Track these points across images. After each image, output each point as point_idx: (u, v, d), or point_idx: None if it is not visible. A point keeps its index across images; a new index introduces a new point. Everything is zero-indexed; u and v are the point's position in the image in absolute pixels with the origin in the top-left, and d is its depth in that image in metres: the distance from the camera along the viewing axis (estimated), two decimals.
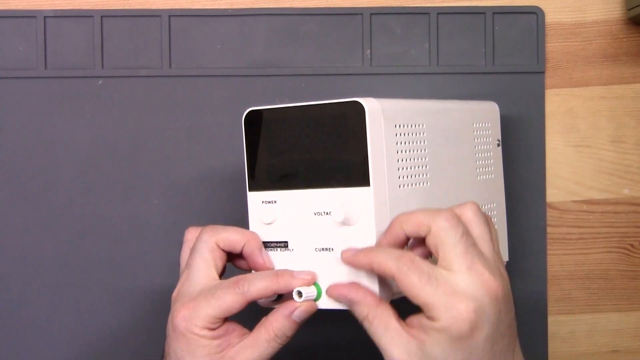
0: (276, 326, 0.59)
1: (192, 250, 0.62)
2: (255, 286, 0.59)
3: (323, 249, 0.60)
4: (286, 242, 0.62)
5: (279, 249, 0.62)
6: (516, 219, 0.83)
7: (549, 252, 0.85)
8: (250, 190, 0.64)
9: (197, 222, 0.82)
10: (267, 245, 0.63)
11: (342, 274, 0.59)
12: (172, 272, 0.82)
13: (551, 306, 0.85)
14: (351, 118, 0.58)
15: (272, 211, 0.62)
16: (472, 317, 0.52)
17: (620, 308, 0.86)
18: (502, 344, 0.55)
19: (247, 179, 0.64)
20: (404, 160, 0.61)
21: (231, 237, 0.62)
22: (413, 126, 0.62)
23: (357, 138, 0.58)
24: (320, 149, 0.60)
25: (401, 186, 0.61)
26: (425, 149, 0.63)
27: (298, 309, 0.59)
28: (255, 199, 0.63)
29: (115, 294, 0.83)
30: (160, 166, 0.83)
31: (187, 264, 0.62)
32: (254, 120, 0.63)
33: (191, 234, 0.65)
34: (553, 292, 0.85)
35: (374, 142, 0.58)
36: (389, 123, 0.60)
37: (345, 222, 0.58)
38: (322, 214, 0.60)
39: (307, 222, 0.61)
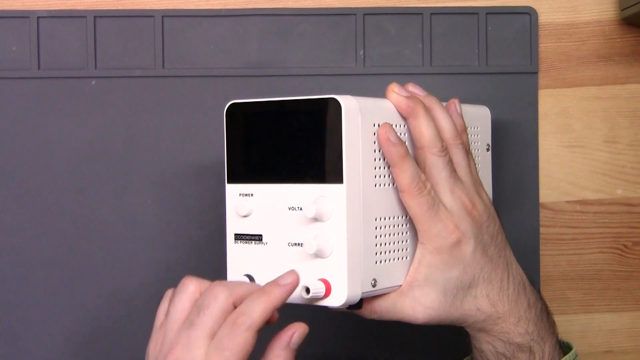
0: (277, 354, 0.55)
1: (201, 307, 0.55)
2: (256, 314, 0.54)
3: (295, 244, 0.60)
4: (261, 235, 0.62)
5: (253, 242, 0.62)
6: (509, 220, 0.83)
7: (542, 252, 0.85)
8: (228, 182, 0.64)
9: (192, 222, 0.82)
10: (241, 237, 0.63)
11: (311, 270, 0.59)
12: (166, 272, 0.82)
13: None
14: (327, 115, 0.58)
15: (248, 204, 0.62)
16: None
17: (614, 308, 0.86)
18: (491, 250, 0.64)
19: (225, 170, 0.64)
20: (382, 160, 0.61)
21: (249, 296, 0.55)
22: (394, 126, 0.62)
23: (333, 135, 0.58)
24: (296, 145, 0.60)
25: (378, 185, 0.61)
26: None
27: (293, 337, 0.55)
28: (233, 191, 0.64)
29: (108, 293, 0.83)
30: (154, 166, 0.83)
31: (192, 322, 0.54)
32: (235, 114, 0.63)
33: (193, 285, 0.57)
34: (546, 293, 0.85)
35: (350, 140, 0.58)
36: (367, 122, 0.60)
37: (317, 218, 0.58)
38: (296, 209, 0.60)
39: (282, 216, 0.61)
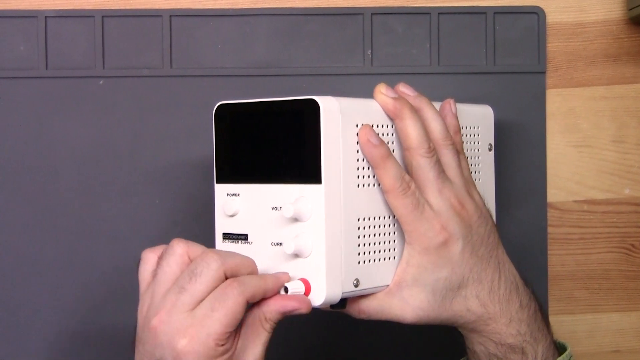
0: (271, 317, 0.57)
1: (193, 273, 0.56)
2: (250, 285, 0.56)
3: (277, 244, 0.60)
4: (246, 235, 0.62)
5: (239, 241, 0.63)
6: (517, 219, 0.83)
7: (549, 252, 0.85)
8: (217, 182, 0.65)
9: (197, 221, 0.82)
10: (228, 237, 0.63)
11: (292, 270, 0.59)
12: None
13: (552, 306, 0.85)
14: (307, 116, 0.58)
15: (235, 204, 0.63)
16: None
17: (621, 308, 0.86)
18: (482, 250, 0.64)
19: (214, 171, 0.64)
20: (365, 160, 0.61)
21: (239, 267, 0.57)
22: (380, 127, 0.62)
23: (312, 136, 0.58)
24: (279, 145, 0.60)
25: (361, 185, 0.61)
26: (392, 150, 0.63)
27: (296, 310, 0.57)
28: (221, 191, 0.64)
29: (115, 294, 0.83)
30: (162, 166, 0.83)
31: (183, 287, 0.55)
32: (223, 114, 0.64)
33: (181, 248, 0.58)
34: (554, 292, 0.85)
35: (329, 141, 0.58)
36: (348, 122, 0.60)
37: (297, 218, 0.59)
38: (278, 209, 0.60)
39: (266, 216, 0.61)
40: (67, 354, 0.83)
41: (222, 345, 0.55)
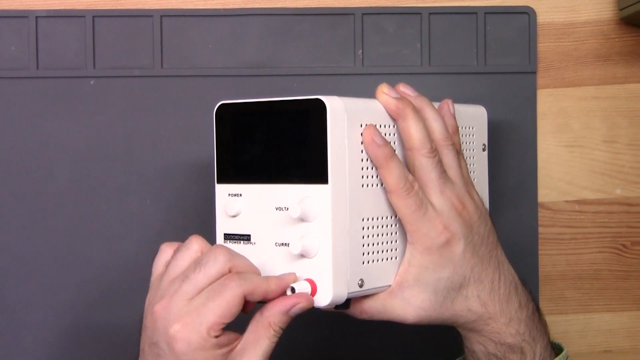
0: (274, 321, 0.58)
1: (200, 264, 0.57)
2: (249, 281, 0.57)
3: (282, 244, 0.60)
4: (249, 235, 0.62)
5: (242, 242, 0.63)
6: (508, 219, 0.83)
7: (541, 252, 0.85)
8: (218, 182, 0.64)
9: (190, 221, 0.82)
10: (230, 237, 0.63)
11: (298, 270, 0.59)
12: None
13: (543, 306, 0.85)
14: (313, 115, 0.58)
15: (237, 204, 0.62)
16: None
17: (613, 308, 0.86)
18: (482, 250, 0.64)
19: (215, 171, 0.64)
20: (369, 160, 0.61)
21: (245, 267, 0.59)
22: (382, 127, 0.62)
23: (318, 135, 0.58)
24: (283, 145, 0.60)
25: (366, 185, 0.61)
26: (395, 149, 0.63)
27: (297, 305, 0.58)
28: (222, 191, 0.64)
29: (110, 293, 0.83)
30: (153, 166, 0.83)
31: (187, 276, 0.57)
32: (225, 114, 0.63)
33: (198, 245, 0.60)
34: (545, 292, 0.85)
35: (335, 141, 0.58)
36: (353, 122, 0.60)
37: (303, 219, 0.59)
38: (283, 209, 0.60)
39: (269, 216, 0.61)
40: (62, 353, 0.83)
41: (216, 337, 0.56)
